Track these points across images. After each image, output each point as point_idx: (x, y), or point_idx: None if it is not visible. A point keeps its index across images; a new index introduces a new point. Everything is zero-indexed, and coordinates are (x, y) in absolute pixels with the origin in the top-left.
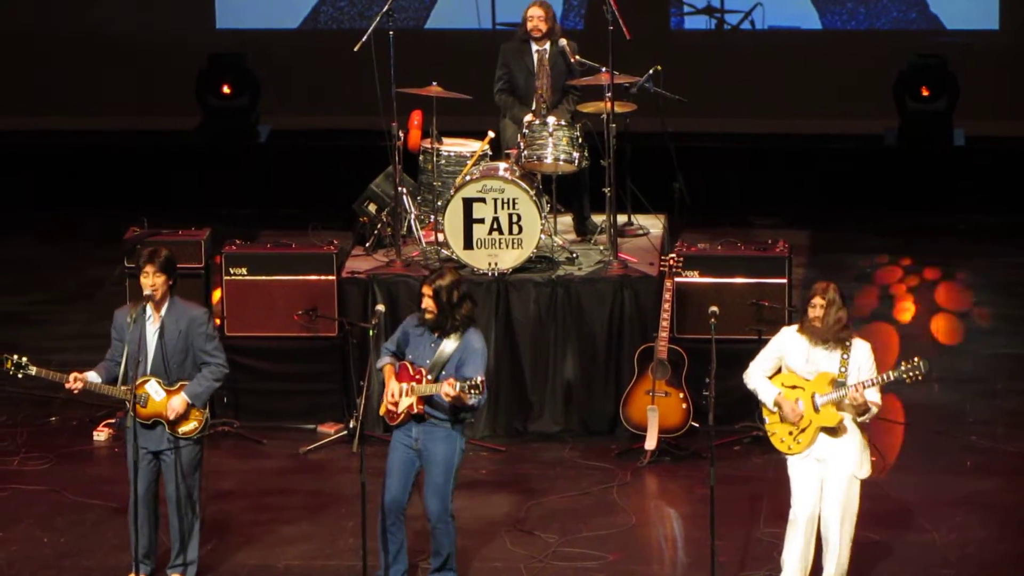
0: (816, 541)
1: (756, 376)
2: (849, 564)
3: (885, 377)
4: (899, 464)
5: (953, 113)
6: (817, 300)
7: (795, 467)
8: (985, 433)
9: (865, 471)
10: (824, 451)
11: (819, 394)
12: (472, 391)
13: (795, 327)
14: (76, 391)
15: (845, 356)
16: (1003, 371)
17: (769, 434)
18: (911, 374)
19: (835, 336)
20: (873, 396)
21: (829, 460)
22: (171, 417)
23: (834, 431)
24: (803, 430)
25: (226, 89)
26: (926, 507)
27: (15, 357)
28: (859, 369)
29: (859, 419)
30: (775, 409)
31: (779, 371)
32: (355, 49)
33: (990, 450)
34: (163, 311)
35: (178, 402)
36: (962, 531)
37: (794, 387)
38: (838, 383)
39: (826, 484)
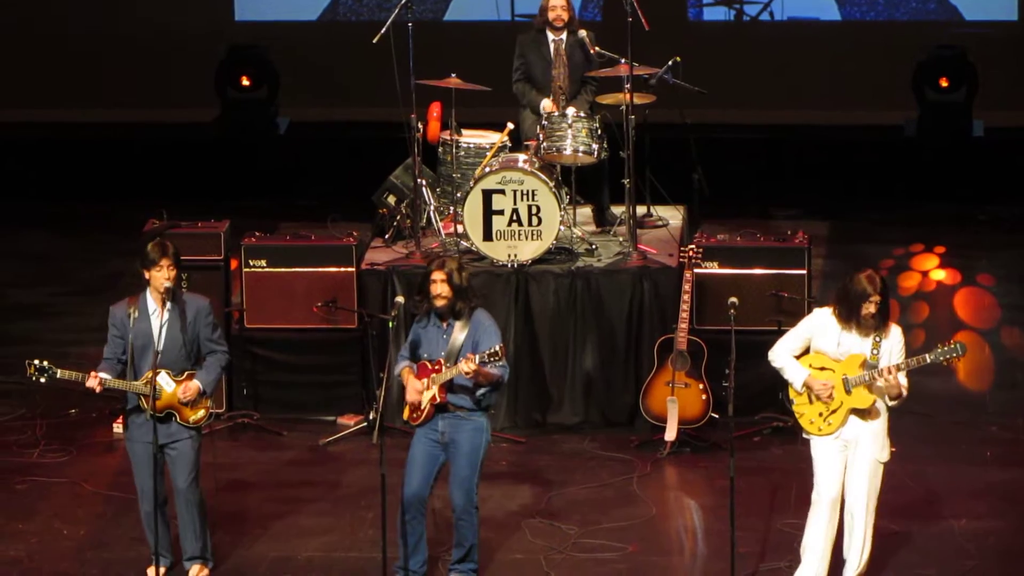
0: (838, 526)
1: (783, 355)
2: (871, 552)
3: (922, 359)
4: (920, 454)
5: (972, 104)
6: (875, 299)
7: (820, 448)
8: (1006, 424)
9: (886, 455)
10: (851, 433)
11: (850, 376)
12: (492, 359)
13: (828, 310)
14: (98, 390)
15: (878, 339)
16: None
17: (797, 415)
18: (948, 356)
19: (878, 326)
20: (902, 379)
21: (856, 443)
22: (186, 399)
23: (865, 413)
24: (834, 411)
25: (245, 81)
26: (946, 497)
27: (37, 362)
28: (890, 353)
29: (891, 403)
30: (803, 390)
31: (805, 351)
32: (374, 41)
33: (1011, 441)
34: (169, 302)
35: (193, 385)
36: (982, 522)
37: (823, 368)
38: (870, 365)
39: (851, 468)
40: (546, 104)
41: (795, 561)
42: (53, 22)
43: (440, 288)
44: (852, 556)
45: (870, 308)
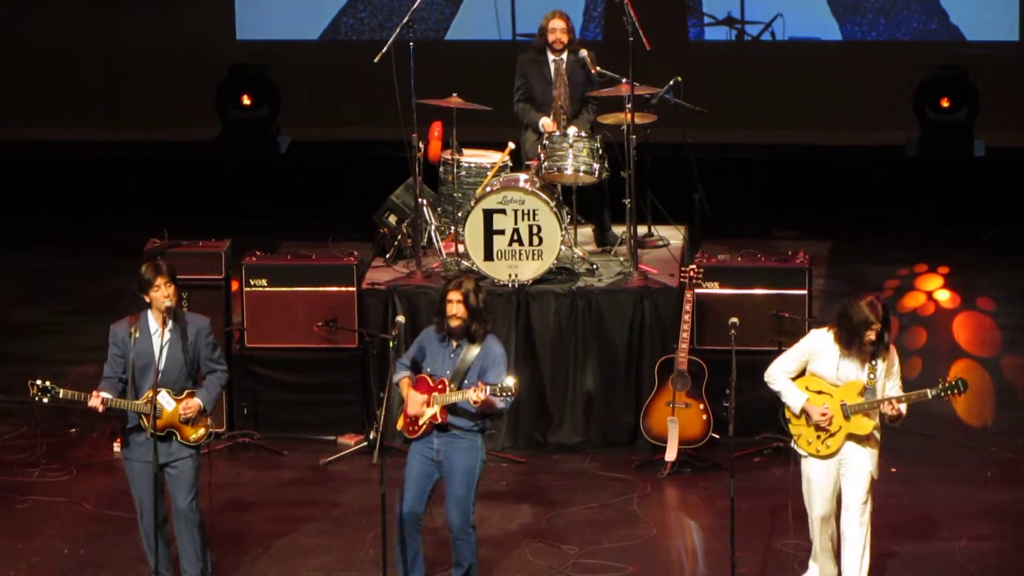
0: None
1: (781, 378)
2: (869, 566)
3: (923, 394)
4: (919, 475)
5: (974, 124)
6: (876, 327)
7: (814, 468)
8: (1006, 444)
9: (876, 472)
10: (845, 452)
11: (848, 403)
12: (504, 393)
13: (828, 332)
14: (100, 410)
15: (874, 364)
16: None
17: (795, 436)
18: (950, 392)
19: (877, 352)
20: (901, 407)
21: (848, 460)
22: (187, 415)
23: (865, 439)
24: (832, 435)
25: (246, 100)
26: (946, 518)
27: (40, 382)
28: (885, 372)
29: (891, 424)
30: (800, 414)
31: (802, 372)
32: (376, 60)
33: (1011, 461)
34: (172, 322)
35: (194, 403)
36: (982, 542)
37: (820, 392)
38: (868, 390)
39: (845, 482)
40: (545, 123)
41: None
42: (57, 42)
43: (456, 308)
44: (851, 571)
45: (871, 336)
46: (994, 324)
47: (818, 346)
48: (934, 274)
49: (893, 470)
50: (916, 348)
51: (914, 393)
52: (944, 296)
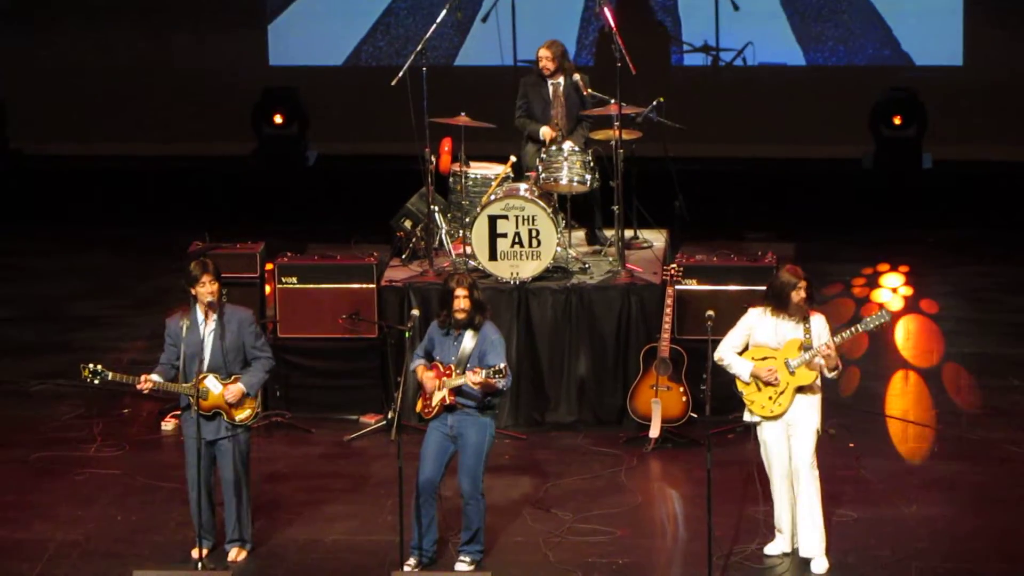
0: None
1: (728, 353)
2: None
3: (855, 330)
4: (874, 450)
5: (922, 139)
6: (802, 284)
7: (768, 431)
8: (951, 422)
9: (820, 427)
10: (794, 413)
11: (791, 359)
12: (497, 376)
13: (761, 309)
14: (146, 391)
15: (807, 325)
16: (968, 367)
17: (748, 403)
18: (877, 323)
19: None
20: (837, 357)
21: (795, 421)
22: (231, 400)
23: (808, 388)
24: (781, 393)
25: (278, 119)
26: (899, 489)
27: (91, 365)
28: (819, 335)
29: (830, 375)
30: (750, 380)
31: (745, 348)
32: (392, 83)
33: (955, 438)
34: (216, 315)
35: (236, 388)
36: (931, 508)
37: (765, 358)
38: (806, 347)
39: (794, 442)
40: (545, 131)
41: (763, 542)
42: (111, 67)
43: (463, 303)
44: (808, 532)
45: (800, 293)
46: (939, 315)
47: (755, 321)
48: (887, 272)
49: (851, 445)
50: (865, 339)
51: (846, 331)
52: (895, 289)
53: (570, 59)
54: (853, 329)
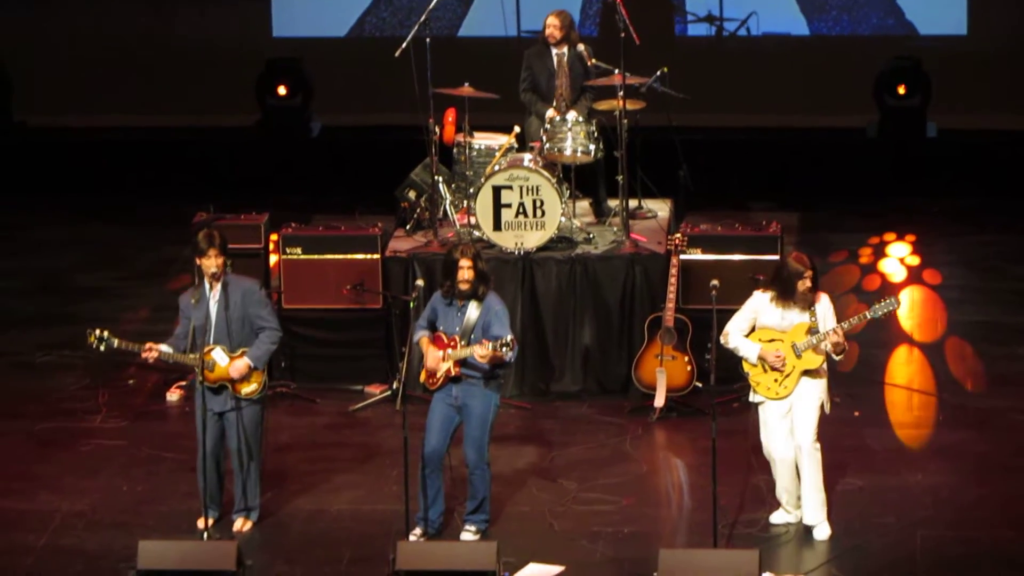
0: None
1: (735, 335)
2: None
3: (863, 317)
4: (879, 419)
5: (927, 109)
6: (808, 274)
7: (769, 412)
8: (956, 391)
9: (827, 407)
10: (797, 391)
11: (798, 342)
12: (504, 348)
13: (766, 294)
14: (152, 360)
15: (814, 308)
16: (971, 336)
17: (753, 384)
18: (886, 310)
19: (812, 299)
20: (842, 337)
21: (799, 399)
22: (235, 377)
23: (815, 372)
24: (787, 375)
25: (282, 90)
26: (903, 457)
27: (97, 331)
28: (824, 318)
29: (836, 358)
30: (757, 362)
31: (752, 330)
32: (396, 54)
33: (960, 406)
34: (221, 286)
35: (241, 364)
36: (935, 477)
37: (772, 340)
38: (813, 330)
39: (796, 419)
40: (550, 113)
41: (768, 510)
42: (116, 39)
43: (467, 274)
44: (809, 492)
45: (806, 283)
46: (944, 284)
47: (760, 305)
48: (890, 241)
49: (856, 414)
50: (872, 292)
51: (855, 317)
52: (899, 260)
53: (576, 31)
54: (860, 316)
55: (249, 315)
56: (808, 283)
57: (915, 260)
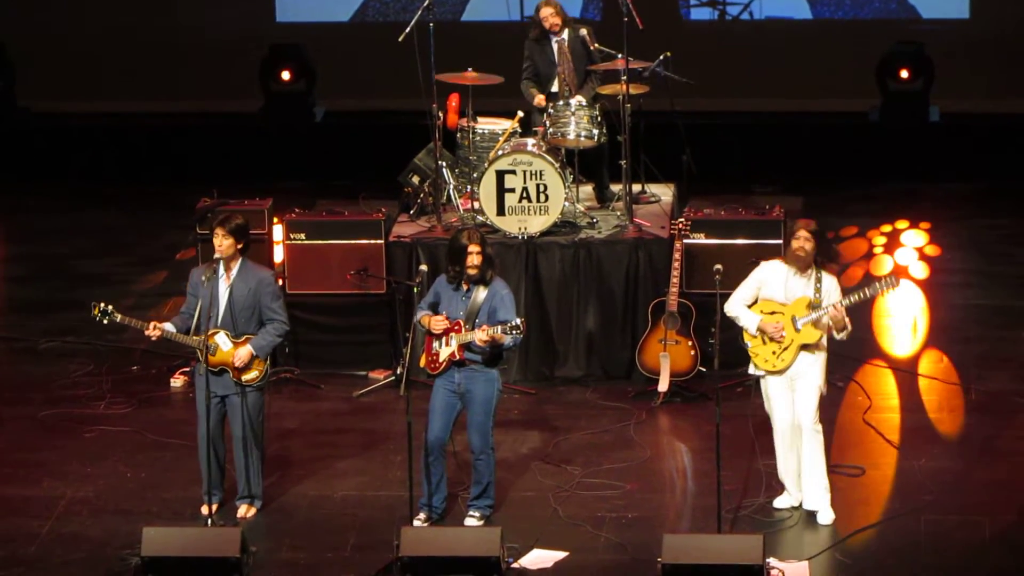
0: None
1: (737, 305)
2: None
3: (863, 294)
4: (882, 405)
5: (929, 93)
6: (803, 233)
7: (771, 385)
8: (961, 375)
9: (825, 386)
10: (797, 368)
11: (798, 316)
12: (513, 331)
13: (776, 261)
14: (155, 338)
15: (818, 284)
16: (974, 319)
17: (752, 356)
18: (886, 288)
19: (813, 263)
20: (847, 321)
21: (800, 376)
22: (237, 365)
23: (812, 347)
24: (785, 348)
25: (286, 75)
26: (906, 442)
27: (102, 305)
28: (828, 295)
29: (838, 336)
30: (757, 333)
31: (755, 302)
32: (399, 39)
33: (965, 390)
34: (234, 271)
35: (244, 352)
36: (938, 461)
37: (773, 312)
38: (814, 305)
39: (797, 398)
40: (539, 100)
41: (772, 495)
42: (119, 24)
43: (476, 259)
44: (810, 476)
45: (800, 243)
46: (946, 268)
47: (768, 274)
48: (892, 225)
49: (861, 398)
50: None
51: (855, 294)
52: (901, 244)
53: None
54: (861, 293)
55: (260, 305)
56: (804, 244)
57: (918, 243)
